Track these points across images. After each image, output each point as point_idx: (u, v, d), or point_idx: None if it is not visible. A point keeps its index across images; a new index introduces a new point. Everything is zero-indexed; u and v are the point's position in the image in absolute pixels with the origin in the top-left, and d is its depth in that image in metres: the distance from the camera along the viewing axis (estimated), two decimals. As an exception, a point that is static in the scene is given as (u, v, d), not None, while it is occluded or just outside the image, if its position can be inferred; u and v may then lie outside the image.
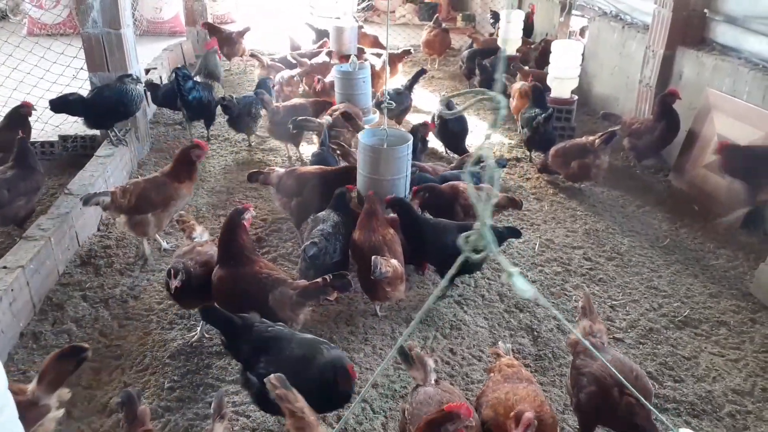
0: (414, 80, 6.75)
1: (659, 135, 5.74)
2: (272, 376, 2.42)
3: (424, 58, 9.75)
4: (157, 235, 4.35)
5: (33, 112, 5.17)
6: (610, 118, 6.23)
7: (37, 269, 3.81)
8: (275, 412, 2.76)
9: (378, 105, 6.38)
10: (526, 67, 7.59)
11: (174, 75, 6.16)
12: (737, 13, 5.49)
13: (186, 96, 6.05)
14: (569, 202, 5.48)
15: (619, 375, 1.91)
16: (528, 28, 8.68)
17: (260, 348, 2.79)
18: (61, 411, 2.66)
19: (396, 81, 8.34)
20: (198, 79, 6.69)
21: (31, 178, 4.42)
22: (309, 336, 2.96)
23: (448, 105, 5.94)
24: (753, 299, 4.17)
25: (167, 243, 4.47)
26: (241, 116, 6.05)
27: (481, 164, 1.43)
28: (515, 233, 4.04)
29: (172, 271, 3.30)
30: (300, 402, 2.37)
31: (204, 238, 3.82)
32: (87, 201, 4.01)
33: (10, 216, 4.31)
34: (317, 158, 5.05)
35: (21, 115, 5.08)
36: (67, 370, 2.69)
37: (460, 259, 1.40)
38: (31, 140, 5.15)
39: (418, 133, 5.31)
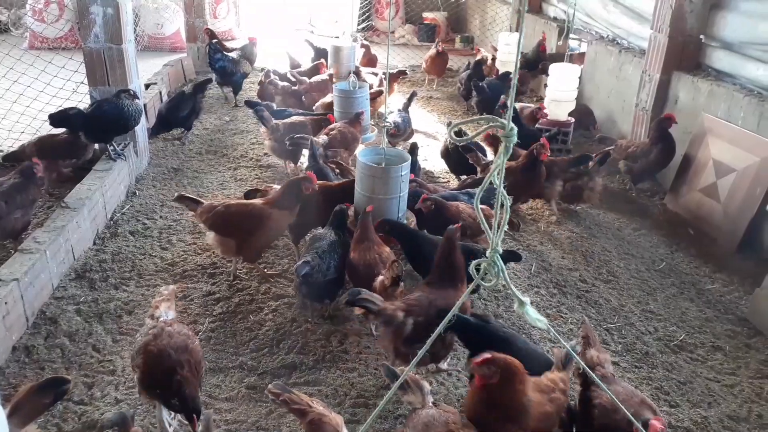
0: (408, 102, 6.81)
1: (655, 158, 5.79)
2: (270, 386, 2.52)
3: (423, 78, 9.84)
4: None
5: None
6: (605, 141, 6.29)
7: (32, 282, 3.79)
8: None
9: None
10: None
11: (207, 48, 8.39)
12: (733, 39, 5.57)
13: (214, 64, 8.17)
14: (565, 224, 5.49)
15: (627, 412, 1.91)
16: (540, 58, 8.56)
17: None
18: None
19: (392, 100, 8.40)
20: (233, 55, 8.28)
21: (28, 191, 4.41)
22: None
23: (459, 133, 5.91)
24: (748, 324, 4.17)
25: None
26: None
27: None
28: (515, 257, 4.00)
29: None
30: (304, 398, 2.47)
31: (170, 316, 3.15)
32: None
33: (7, 229, 4.29)
34: (313, 171, 5.04)
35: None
36: (44, 404, 2.52)
37: (471, 286, 1.38)
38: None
39: (416, 150, 5.35)
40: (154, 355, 2.79)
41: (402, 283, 3.60)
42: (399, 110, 6.73)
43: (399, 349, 3.19)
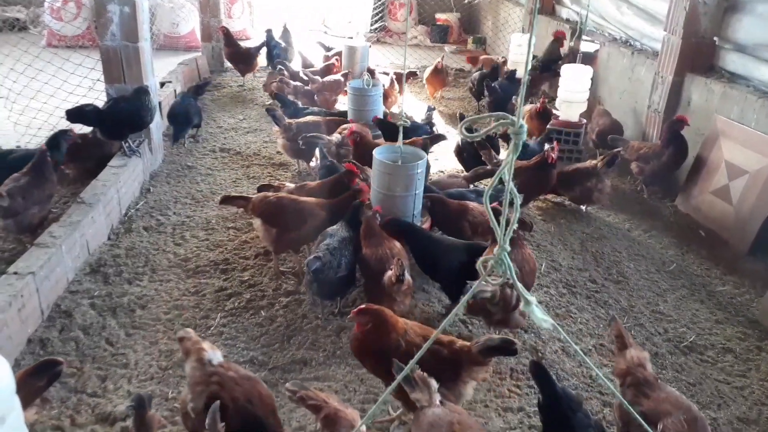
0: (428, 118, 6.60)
1: (667, 160, 5.77)
2: (287, 384, 2.57)
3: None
4: None
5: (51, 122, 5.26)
6: (617, 142, 6.26)
7: (47, 276, 3.86)
8: None
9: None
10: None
11: (266, 37, 9.09)
12: (748, 42, 5.54)
13: (272, 51, 9.00)
14: (576, 225, 5.49)
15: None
16: (555, 59, 8.44)
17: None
18: None
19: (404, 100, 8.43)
20: (282, 43, 9.23)
21: (44, 186, 4.49)
22: None
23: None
24: (759, 327, 4.15)
25: None
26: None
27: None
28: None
29: None
30: (320, 394, 2.51)
31: (219, 358, 2.82)
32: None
33: (25, 224, 4.37)
34: (326, 170, 5.08)
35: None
36: (39, 387, 2.55)
37: (477, 284, 1.39)
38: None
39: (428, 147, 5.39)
40: (232, 409, 2.55)
41: (409, 279, 3.64)
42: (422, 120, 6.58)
43: None
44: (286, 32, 9.61)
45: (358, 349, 3.05)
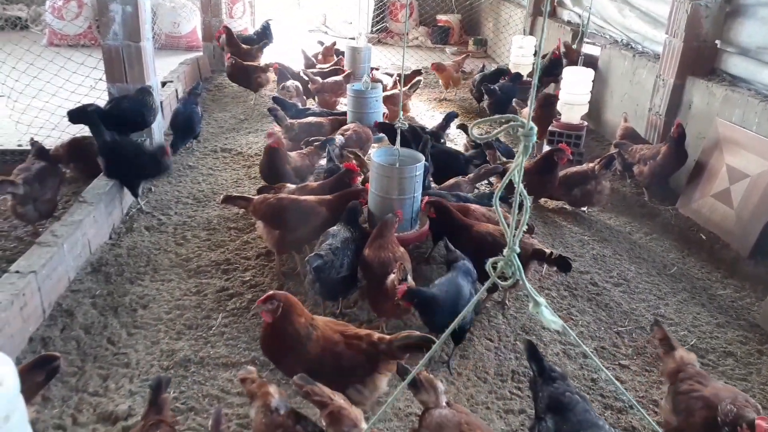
0: (445, 124, 6.48)
1: (667, 163, 5.77)
2: (295, 377, 2.56)
3: (435, 79, 9.81)
4: None
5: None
6: (622, 147, 6.24)
7: (49, 275, 3.85)
8: None
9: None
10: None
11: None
12: (750, 45, 5.55)
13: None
14: (577, 228, 5.50)
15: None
16: (555, 64, 8.54)
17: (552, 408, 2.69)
18: None
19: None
20: None
21: (55, 171, 4.72)
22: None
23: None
24: (760, 330, 4.15)
25: None
26: None
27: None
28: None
29: None
30: (326, 390, 2.52)
31: (286, 406, 2.58)
32: None
33: (42, 209, 4.54)
34: (330, 173, 5.09)
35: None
36: (38, 383, 2.54)
37: (487, 284, 1.39)
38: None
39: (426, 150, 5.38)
40: None
41: (412, 284, 3.63)
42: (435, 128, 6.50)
43: None
44: (266, 28, 9.49)
45: (270, 343, 2.97)
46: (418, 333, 2.93)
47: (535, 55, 8.90)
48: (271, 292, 2.92)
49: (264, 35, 9.40)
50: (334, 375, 2.85)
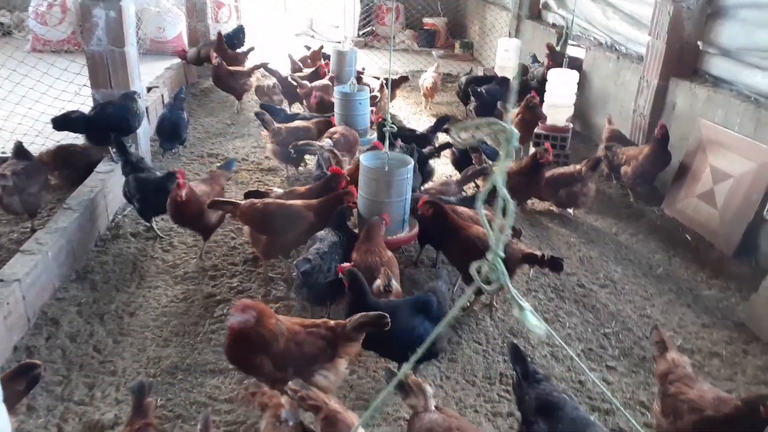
0: (436, 128, 6.44)
1: (651, 164, 5.81)
2: (290, 383, 2.55)
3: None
4: None
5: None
6: (611, 149, 6.26)
7: (33, 283, 3.81)
8: None
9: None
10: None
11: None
12: (731, 46, 5.61)
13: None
14: (563, 229, 5.53)
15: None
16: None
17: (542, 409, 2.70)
18: None
19: (394, 105, 8.44)
20: None
21: (40, 168, 4.83)
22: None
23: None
24: (745, 330, 4.19)
25: None
26: None
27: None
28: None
29: None
30: (321, 395, 2.50)
31: (295, 418, 2.54)
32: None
33: (30, 202, 4.60)
34: (319, 180, 5.07)
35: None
36: (19, 392, 2.52)
37: (471, 289, 1.38)
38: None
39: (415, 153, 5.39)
40: None
41: (398, 287, 3.63)
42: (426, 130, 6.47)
43: None
44: (239, 30, 9.60)
45: (239, 350, 2.93)
46: (372, 313, 2.99)
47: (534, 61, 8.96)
48: (240, 302, 2.88)
49: (236, 38, 9.38)
50: (301, 363, 2.92)
